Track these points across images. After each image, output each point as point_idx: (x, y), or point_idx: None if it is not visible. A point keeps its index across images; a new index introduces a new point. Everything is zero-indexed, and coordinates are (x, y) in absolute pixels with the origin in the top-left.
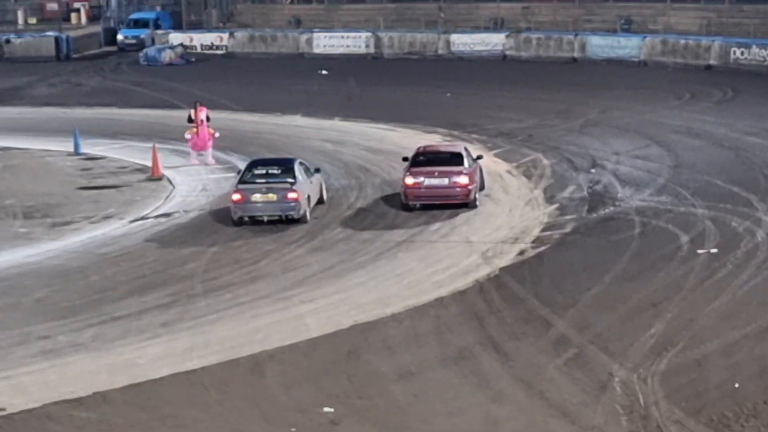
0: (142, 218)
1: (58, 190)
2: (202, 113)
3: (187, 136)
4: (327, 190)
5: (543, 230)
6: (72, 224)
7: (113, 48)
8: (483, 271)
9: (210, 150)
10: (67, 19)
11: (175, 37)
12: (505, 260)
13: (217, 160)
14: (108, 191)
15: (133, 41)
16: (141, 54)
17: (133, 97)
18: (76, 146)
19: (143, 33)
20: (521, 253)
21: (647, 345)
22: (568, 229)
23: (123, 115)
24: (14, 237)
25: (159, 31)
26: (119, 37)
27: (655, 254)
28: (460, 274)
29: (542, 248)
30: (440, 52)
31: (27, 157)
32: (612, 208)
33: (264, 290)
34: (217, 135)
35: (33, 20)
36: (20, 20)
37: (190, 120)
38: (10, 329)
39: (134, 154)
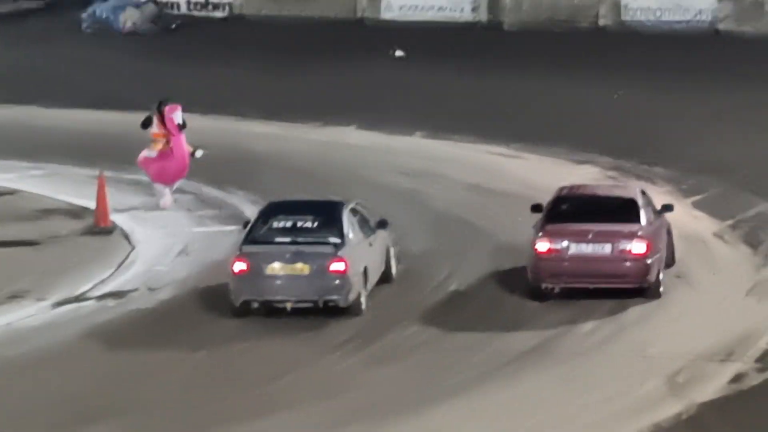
0: (77, 299)
1: None
2: (175, 115)
3: (150, 154)
4: (398, 259)
5: None
6: None
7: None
8: (669, 409)
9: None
10: None
11: None
12: (710, 390)
13: (203, 201)
14: (20, 250)
15: None
16: (85, 14)
17: (67, 88)
18: None
19: None
20: (737, 378)
21: None
22: None
23: (48, 118)
24: None
25: None
26: None
27: None
28: (629, 411)
29: None
30: (603, 21)
31: None
32: None
33: (286, 429)
34: (199, 154)
35: None
36: None
37: (145, 125)
38: None
39: (66, 187)
